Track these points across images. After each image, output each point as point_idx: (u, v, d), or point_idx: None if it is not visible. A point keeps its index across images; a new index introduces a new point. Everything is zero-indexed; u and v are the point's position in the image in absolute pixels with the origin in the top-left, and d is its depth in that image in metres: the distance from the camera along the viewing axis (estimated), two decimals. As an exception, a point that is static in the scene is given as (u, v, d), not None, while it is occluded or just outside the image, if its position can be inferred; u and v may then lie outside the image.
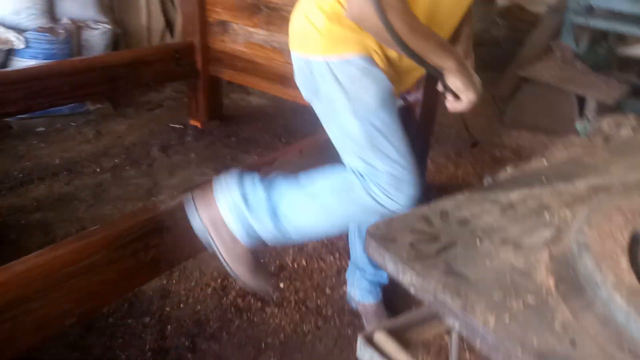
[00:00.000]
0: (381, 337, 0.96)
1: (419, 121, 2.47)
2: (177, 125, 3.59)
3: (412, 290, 0.80)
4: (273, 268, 2.23)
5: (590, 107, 3.21)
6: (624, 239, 0.87)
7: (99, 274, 1.36)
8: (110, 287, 1.39)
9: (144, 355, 1.79)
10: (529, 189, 1.08)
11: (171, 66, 3.26)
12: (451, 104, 1.32)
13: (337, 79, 1.29)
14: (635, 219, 0.93)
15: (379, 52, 1.31)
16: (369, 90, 1.29)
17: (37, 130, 3.41)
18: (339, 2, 1.27)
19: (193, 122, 3.60)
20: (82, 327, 1.87)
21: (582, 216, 0.95)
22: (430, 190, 2.89)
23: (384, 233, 0.90)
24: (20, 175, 2.87)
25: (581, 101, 3.45)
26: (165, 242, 1.49)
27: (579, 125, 1.59)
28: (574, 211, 1.00)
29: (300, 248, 2.36)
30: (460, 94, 1.27)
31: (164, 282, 2.12)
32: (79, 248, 1.33)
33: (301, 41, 1.37)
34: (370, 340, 0.96)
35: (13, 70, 3.18)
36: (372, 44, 1.30)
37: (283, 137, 3.55)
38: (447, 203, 1.01)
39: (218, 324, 1.94)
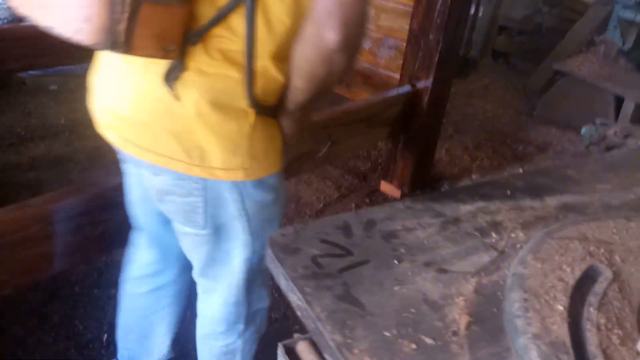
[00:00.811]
0: (303, 347, 0.84)
1: (426, 109, 2.30)
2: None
3: (298, 314, 0.68)
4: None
5: (628, 109, 2.94)
6: (573, 275, 0.72)
7: (37, 246, 1.29)
8: (49, 261, 1.33)
9: (101, 327, 1.74)
10: (485, 202, 0.93)
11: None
12: None
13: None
14: (597, 252, 0.78)
15: None
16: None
17: (50, 88, 3.40)
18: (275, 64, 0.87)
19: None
20: (47, 293, 1.84)
21: (533, 242, 0.80)
22: (440, 182, 2.72)
23: (288, 241, 0.78)
24: (23, 133, 2.87)
25: (619, 102, 3.17)
26: (116, 218, 1.41)
27: (585, 129, 1.41)
28: (529, 234, 0.85)
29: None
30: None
31: (139, 255, 2.06)
32: (17, 218, 1.27)
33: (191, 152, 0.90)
34: (290, 351, 0.85)
35: (17, 26, 3.15)
36: None
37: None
38: (379, 211, 0.88)
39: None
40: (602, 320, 0.64)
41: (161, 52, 0.80)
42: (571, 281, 0.71)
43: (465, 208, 0.91)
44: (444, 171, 2.88)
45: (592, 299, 0.68)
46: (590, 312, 0.65)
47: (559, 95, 3.39)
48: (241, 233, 1.00)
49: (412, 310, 0.67)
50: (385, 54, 2.44)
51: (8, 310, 1.74)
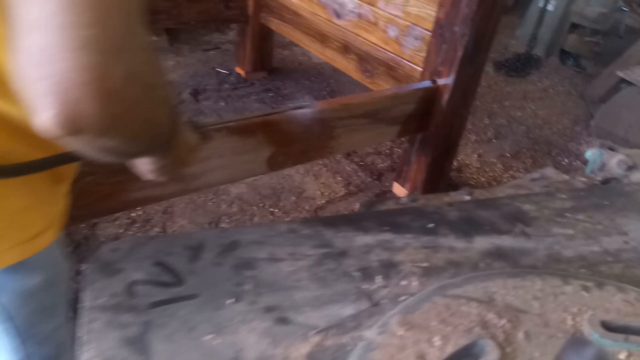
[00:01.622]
0: None
1: (446, 108, 2.08)
2: (223, 71, 3.45)
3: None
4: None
5: (698, 129, 2.55)
6: (441, 354, 0.55)
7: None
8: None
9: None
10: (394, 235, 0.76)
11: (219, 7, 3.09)
12: None
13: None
14: (496, 322, 0.60)
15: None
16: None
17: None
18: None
19: (238, 70, 3.44)
20: None
21: (415, 297, 0.63)
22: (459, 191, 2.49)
23: (114, 259, 0.65)
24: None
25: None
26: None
27: (590, 153, 1.17)
28: (428, 283, 0.68)
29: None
30: None
31: (120, 230, 2.02)
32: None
33: None
34: None
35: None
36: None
37: (325, 99, 3.27)
38: (251, 231, 0.73)
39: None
40: None
41: None
42: (433, 362, 0.54)
43: (363, 239, 0.74)
44: (469, 178, 2.64)
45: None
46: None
47: (620, 107, 3.01)
48: (4, 336, 0.74)
49: (209, 371, 0.53)
50: (410, 45, 2.22)
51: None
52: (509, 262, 0.74)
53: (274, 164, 1.79)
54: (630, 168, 1.03)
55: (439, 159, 2.27)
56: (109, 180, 1.42)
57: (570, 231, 0.82)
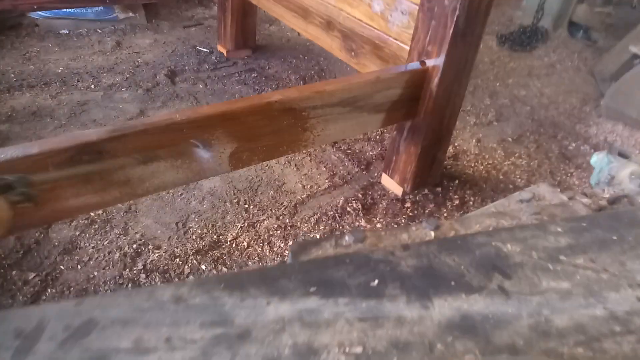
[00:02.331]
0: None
1: (436, 93, 1.85)
2: (204, 49, 3.22)
3: None
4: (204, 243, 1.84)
5: None
6: None
7: None
8: None
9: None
10: (323, 300, 0.56)
11: (195, -20, 2.84)
12: None
13: None
14: None
15: None
16: None
17: (60, 32, 3.22)
18: None
19: (220, 48, 3.20)
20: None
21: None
22: (454, 182, 2.28)
23: None
24: (14, 80, 2.70)
25: None
26: None
27: (596, 157, 0.95)
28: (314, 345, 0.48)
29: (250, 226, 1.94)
30: None
31: (77, 233, 1.83)
32: None
33: None
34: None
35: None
36: None
37: (312, 80, 3.03)
38: (122, 304, 0.53)
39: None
40: None
41: None
42: None
43: (277, 310, 0.54)
44: (467, 167, 2.42)
45: None
46: None
47: (632, 85, 2.75)
48: None
49: None
50: (397, 21, 1.98)
51: None
52: (478, 339, 0.54)
53: (237, 162, 1.58)
54: (648, 183, 0.82)
55: (430, 148, 2.05)
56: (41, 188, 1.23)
57: (565, 284, 0.62)
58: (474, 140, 2.62)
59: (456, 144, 2.57)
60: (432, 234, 0.70)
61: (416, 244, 0.65)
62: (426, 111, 1.91)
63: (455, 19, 1.70)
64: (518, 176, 2.39)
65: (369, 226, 2.01)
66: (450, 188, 2.24)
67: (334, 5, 2.26)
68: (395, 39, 2.01)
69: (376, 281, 0.59)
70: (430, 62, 1.84)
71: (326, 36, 2.37)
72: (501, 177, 2.38)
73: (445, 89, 1.88)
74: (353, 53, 2.24)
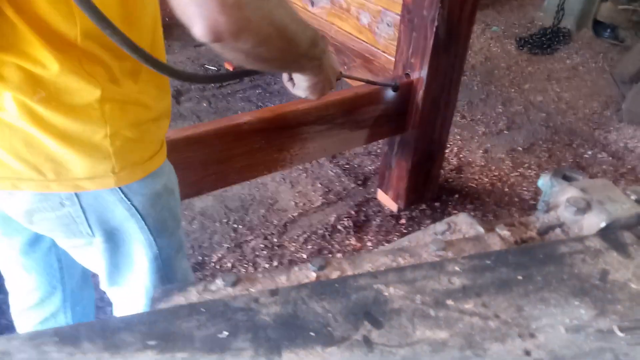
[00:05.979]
0: None
1: (422, 106, 1.79)
2: (211, 67, 3.25)
3: None
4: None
5: None
6: None
7: None
8: None
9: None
10: (158, 356, 0.52)
11: None
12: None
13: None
14: None
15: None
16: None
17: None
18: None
19: (227, 66, 3.22)
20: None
21: None
22: (453, 196, 2.19)
23: None
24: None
25: None
26: None
27: (542, 180, 0.87)
28: None
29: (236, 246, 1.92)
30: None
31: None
32: None
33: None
34: None
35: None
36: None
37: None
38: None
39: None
40: None
41: None
42: None
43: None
44: (470, 180, 2.32)
45: None
46: None
47: (655, 87, 2.58)
48: (139, 233, 0.85)
49: None
50: (384, 33, 1.92)
51: None
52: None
53: (203, 185, 1.56)
54: (583, 210, 0.74)
55: (422, 163, 1.97)
56: None
57: (443, 334, 0.55)
58: (481, 151, 2.52)
59: (461, 156, 2.48)
60: (314, 275, 0.65)
61: (287, 289, 0.60)
62: (414, 125, 1.85)
63: (435, 29, 1.63)
64: (525, 188, 2.28)
65: (359, 245, 1.95)
66: (450, 203, 2.16)
67: (325, 20, 2.23)
68: (383, 52, 1.95)
69: (225, 333, 0.54)
70: (414, 75, 1.77)
71: (320, 50, 2.33)
72: (506, 189, 2.27)
73: (432, 101, 1.80)
74: (346, 67, 2.20)
